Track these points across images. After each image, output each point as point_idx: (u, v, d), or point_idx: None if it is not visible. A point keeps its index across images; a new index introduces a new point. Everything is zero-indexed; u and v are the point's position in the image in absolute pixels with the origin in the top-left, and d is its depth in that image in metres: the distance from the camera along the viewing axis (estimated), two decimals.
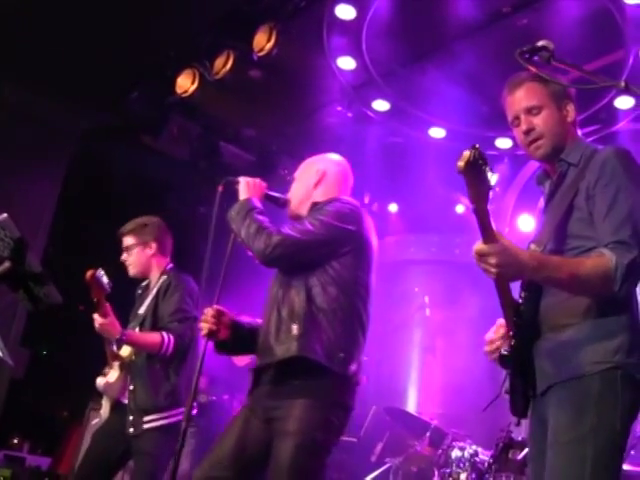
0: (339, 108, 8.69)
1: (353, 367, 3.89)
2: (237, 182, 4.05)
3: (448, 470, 6.59)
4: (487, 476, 6.30)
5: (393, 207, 10.76)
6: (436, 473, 6.72)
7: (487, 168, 2.43)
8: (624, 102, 7.50)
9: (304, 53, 7.69)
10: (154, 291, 5.23)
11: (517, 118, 3.18)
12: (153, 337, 4.94)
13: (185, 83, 8.04)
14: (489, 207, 2.56)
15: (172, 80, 8.10)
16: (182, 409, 4.93)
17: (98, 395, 6.39)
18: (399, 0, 6.99)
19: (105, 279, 4.89)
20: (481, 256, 2.63)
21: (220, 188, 4.05)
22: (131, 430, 4.88)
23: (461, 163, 2.39)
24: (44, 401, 8.94)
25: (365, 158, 9.01)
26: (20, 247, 4.39)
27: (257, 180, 4.11)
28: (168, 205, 8.88)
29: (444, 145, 9.10)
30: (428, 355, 10.24)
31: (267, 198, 4.11)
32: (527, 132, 3.13)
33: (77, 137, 9.18)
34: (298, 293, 3.80)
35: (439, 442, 7.01)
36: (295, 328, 3.70)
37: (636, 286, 2.81)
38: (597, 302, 2.84)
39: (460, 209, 10.23)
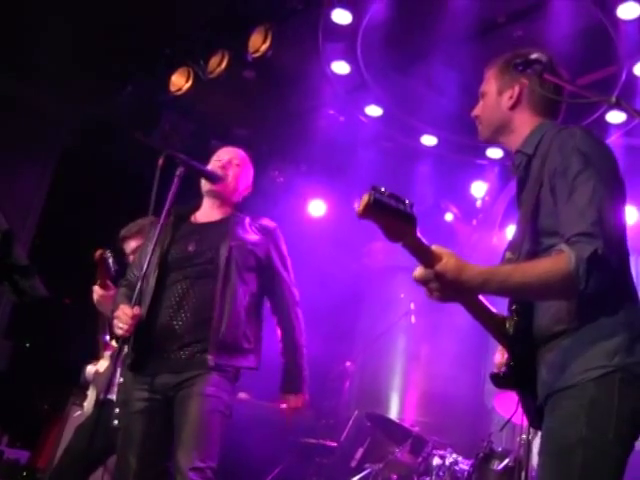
0: (331, 112, 8.69)
1: None
2: (179, 158, 4.20)
3: (428, 478, 6.60)
4: None
5: None
6: None
7: (400, 203, 2.30)
8: (615, 117, 7.53)
9: (299, 56, 7.70)
10: None
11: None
12: None
13: (179, 81, 8.03)
14: (417, 236, 2.44)
15: (166, 78, 8.08)
16: None
17: (80, 390, 6.37)
18: (395, 7, 6.99)
19: (111, 261, 4.91)
20: (420, 283, 2.52)
21: (160, 162, 4.11)
22: (116, 422, 4.87)
23: (360, 208, 2.27)
24: (25, 394, 8.91)
25: (356, 163, 9.03)
26: (7, 240, 4.38)
27: None
28: (157, 202, 8.85)
29: (435, 153, 9.12)
30: (412, 362, 10.25)
31: (200, 173, 4.38)
32: (474, 117, 3.19)
33: (68, 131, 9.15)
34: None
35: (420, 450, 7.01)
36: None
37: (607, 278, 2.54)
38: (590, 304, 2.63)
39: (449, 217, 10.25)
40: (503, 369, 2.87)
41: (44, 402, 9.11)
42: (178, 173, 4.18)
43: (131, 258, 5.36)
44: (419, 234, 2.41)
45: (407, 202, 2.33)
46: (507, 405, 6.61)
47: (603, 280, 2.52)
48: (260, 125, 9.21)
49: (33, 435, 8.37)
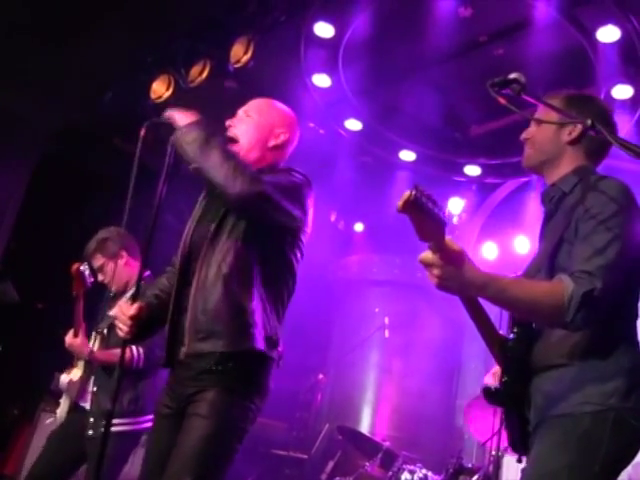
0: (311, 124, 8.71)
1: None
2: (166, 117, 3.66)
3: None
4: None
5: (359, 226, 10.80)
6: None
7: (435, 206, 2.35)
8: None
9: (280, 68, 7.71)
10: (128, 295, 5.18)
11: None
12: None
13: (160, 89, 8.01)
14: (445, 240, 2.47)
15: (147, 85, 8.07)
16: (146, 417, 4.89)
17: (50, 395, 6.33)
18: (378, 23, 7.03)
19: (87, 273, 4.90)
20: (424, 265, 2.56)
21: (142, 131, 3.76)
22: (90, 432, 4.84)
23: (400, 203, 2.32)
24: None
25: (334, 176, 9.05)
26: None
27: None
28: (134, 209, 8.83)
29: (414, 168, 9.16)
30: (384, 376, 10.26)
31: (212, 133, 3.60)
32: (524, 140, 3.19)
33: (48, 136, 9.11)
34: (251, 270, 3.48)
35: (390, 464, 7.01)
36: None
37: (594, 320, 2.61)
38: (597, 342, 2.73)
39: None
40: (496, 384, 2.92)
41: (14, 407, 9.03)
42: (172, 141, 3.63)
43: (99, 277, 5.33)
44: (447, 238, 2.48)
45: (442, 207, 2.39)
46: (477, 422, 6.65)
47: (590, 320, 2.59)
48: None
49: (1, 440, 8.30)
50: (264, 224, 3.50)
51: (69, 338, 4.95)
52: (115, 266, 5.28)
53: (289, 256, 3.62)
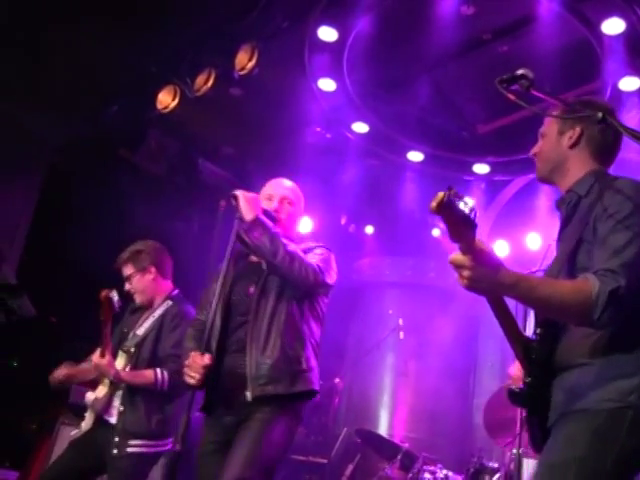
0: (318, 129, 8.71)
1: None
2: (236, 196, 4.09)
3: None
4: None
5: (369, 229, 10.79)
6: None
7: (467, 206, 2.41)
8: None
9: (285, 73, 7.71)
10: (157, 314, 5.21)
11: None
12: (147, 376, 4.93)
13: (166, 99, 8.03)
14: (475, 242, 2.50)
15: (153, 95, 8.08)
16: (169, 440, 4.98)
17: (69, 409, 6.33)
18: (381, 24, 7.02)
19: (116, 299, 4.92)
20: (455, 266, 2.59)
21: (223, 204, 4.17)
22: (115, 451, 4.84)
23: (433, 204, 2.35)
24: (13, 414, 8.84)
25: (343, 180, 9.04)
26: None
27: (254, 195, 4.18)
28: (144, 220, 8.85)
29: (422, 169, 9.14)
30: (400, 378, 10.24)
31: (263, 213, 4.15)
32: (533, 155, 3.30)
33: (55, 148, 9.13)
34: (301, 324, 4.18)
35: (410, 466, 7.00)
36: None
37: (620, 317, 2.66)
38: (616, 341, 2.76)
39: (436, 233, 10.27)
40: (520, 385, 2.96)
41: (32, 422, 9.04)
42: (238, 216, 4.09)
43: (126, 286, 5.36)
44: (477, 239, 2.52)
45: (473, 209, 2.42)
46: (494, 424, 6.63)
47: (616, 318, 2.63)
48: (247, 143, 9.22)
49: (22, 455, 8.31)
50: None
51: (96, 358, 4.96)
52: (142, 279, 5.32)
53: (322, 307, 4.36)
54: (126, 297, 5.36)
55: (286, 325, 4.07)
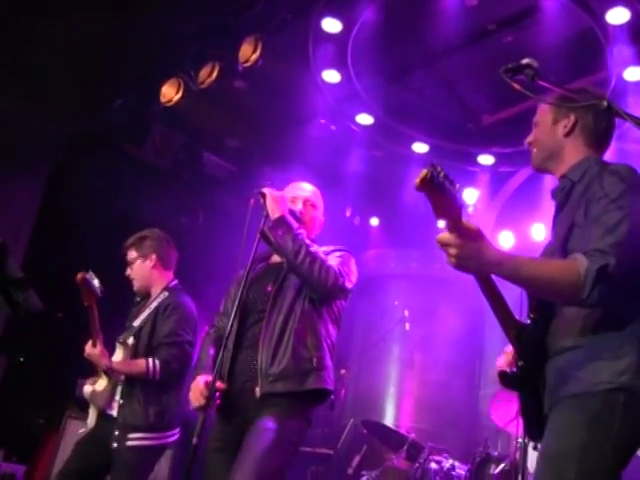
0: (323, 121, 8.71)
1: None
2: (264, 194, 4.10)
3: None
4: None
5: (374, 221, 10.79)
6: None
7: (452, 185, 2.43)
8: None
9: (289, 65, 7.71)
10: (153, 305, 5.20)
11: None
12: (138, 366, 4.92)
13: (170, 92, 8.03)
14: (461, 218, 2.54)
15: (157, 89, 8.08)
16: (169, 432, 4.98)
17: (75, 402, 6.33)
18: (385, 15, 7.02)
19: (96, 282, 4.87)
20: (441, 245, 2.61)
21: (252, 202, 4.12)
22: (115, 445, 4.85)
23: (417, 180, 2.39)
24: (20, 408, 8.86)
25: (348, 171, 9.04)
26: (1, 253, 4.37)
27: (281, 194, 4.18)
28: (149, 214, 8.86)
29: (427, 160, 9.14)
30: (406, 369, 10.24)
31: (290, 213, 4.17)
32: (528, 144, 3.31)
33: (60, 144, 9.14)
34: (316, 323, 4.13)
35: (416, 456, 7.01)
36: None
37: (610, 295, 2.65)
38: (607, 322, 2.77)
39: (441, 224, 10.23)
40: (513, 368, 2.97)
41: (39, 416, 9.07)
42: (265, 214, 4.10)
43: (127, 271, 5.38)
44: (463, 217, 2.56)
45: (457, 186, 2.47)
46: (501, 412, 6.64)
47: (605, 296, 2.62)
48: (251, 135, 9.23)
49: (29, 449, 8.34)
50: None
51: (88, 348, 4.95)
52: (141, 265, 5.34)
53: (340, 309, 4.34)
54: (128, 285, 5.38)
55: (301, 324, 4.06)
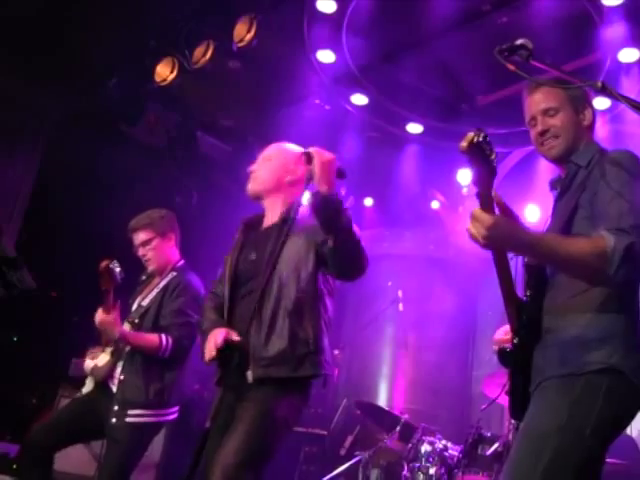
0: (317, 101, 8.68)
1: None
2: (311, 156, 3.72)
3: (417, 464, 6.62)
4: (456, 471, 6.35)
5: (368, 201, 10.78)
6: (405, 467, 6.75)
7: (492, 154, 2.44)
8: (601, 103, 7.52)
9: (284, 45, 7.68)
10: (162, 285, 5.20)
11: (534, 119, 3.23)
12: (152, 339, 4.92)
13: (164, 72, 8.00)
14: (492, 188, 2.58)
15: (151, 68, 8.05)
16: (170, 410, 4.99)
17: (68, 382, 6.33)
18: None
19: (118, 270, 4.85)
20: (475, 221, 2.62)
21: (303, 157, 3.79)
22: (113, 420, 4.84)
23: (464, 143, 2.41)
24: (13, 388, 8.88)
25: (342, 152, 9.03)
26: None
27: (332, 157, 3.78)
28: (143, 194, 8.85)
29: (421, 141, 9.13)
30: (400, 350, 10.26)
31: (338, 175, 3.82)
32: (542, 133, 3.19)
33: (54, 122, 9.11)
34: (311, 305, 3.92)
35: (409, 436, 7.04)
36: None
37: (635, 274, 2.75)
38: (598, 304, 2.81)
39: (435, 205, 10.27)
40: (509, 345, 3.01)
41: (33, 396, 9.09)
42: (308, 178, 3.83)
43: (140, 251, 5.34)
44: (496, 194, 2.64)
45: (494, 155, 2.50)
46: (495, 390, 6.66)
47: (629, 274, 2.68)
48: (246, 115, 9.20)
49: (22, 429, 8.36)
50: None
51: (100, 315, 4.87)
52: (162, 244, 5.31)
53: (332, 284, 4.15)
54: (132, 267, 5.35)
55: (297, 302, 3.85)
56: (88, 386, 5.18)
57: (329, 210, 3.66)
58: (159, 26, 7.73)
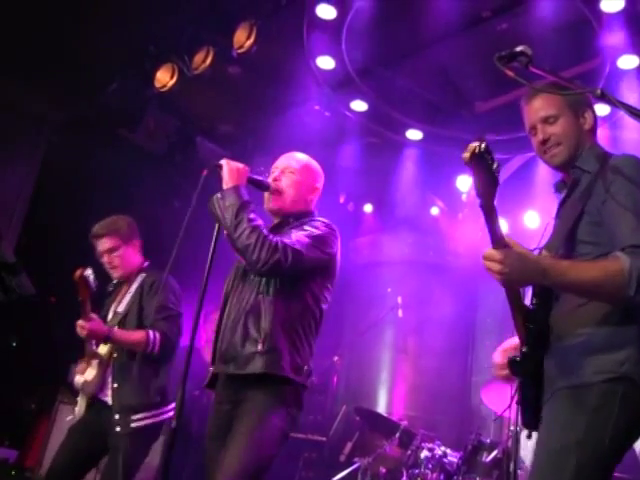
0: (317, 107, 8.68)
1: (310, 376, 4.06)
2: (220, 166, 3.92)
3: (417, 471, 6.62)
4: (455, 477, 6.35)
5: (368, 207, 10.78)
6: (405, 474, 6.74)
7: (494, 163, 2.44)
8: (600, 109, 7.53)
9: (283, 51, 7.69)
10: (134, 288, 5.18)
11: (534, 128, 3.21)
12: (139, 335, 4.90)
13: (164, 77, 8.01)
14: (493, 200, 2.57)
15: (151, 74, 8.06)
16: (171, 406, 4.94)
17: (67, 387, 6.32)
18: (380, 2, 6.99)
19: (92, 278, 4.84)
20: (489, 261, 2.64)
21: (204, 172, 3.88)
22: (118, 429, 4.81)
23: (466, 154, 2.41)
24: (12, 393, 8.87)
25: (342, 158, 9.03)
26: None
27: (240, 165, 3.95)
28: (142, 199, 8.84)
29: (421, 147, 9.13)
30: (399, 356, 10.26)
31: (251, 182, 3.99)
32: (543, 142, 3.17)
33: (54, 127, 9.12)
34: (271, 306, 3.89)
35: (408, 443, 7.03)
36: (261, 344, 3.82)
37: None
38: (607, 312, 2.79)
39: (435, 211, 10.28)
40: (518, 355, 2.96)
41: (31, 401, 9.07)
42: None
43: (105, 258, 5.31)
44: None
45: (497, 164, 2.49)
46: (494, 398, 6.64)
47: None
48: (245, 121, 9.20)
49: (21, 434, 8.34)
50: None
51: (82, 323, 4.84)
52: (127, 251, 5.30)
53: (316, 292, 4.06)
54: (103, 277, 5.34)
55: (255, 303, 3.90)
56: (80, 405, 5.15)
57: (221, 205, 3.82)
58: (159, 32, 7.73)
